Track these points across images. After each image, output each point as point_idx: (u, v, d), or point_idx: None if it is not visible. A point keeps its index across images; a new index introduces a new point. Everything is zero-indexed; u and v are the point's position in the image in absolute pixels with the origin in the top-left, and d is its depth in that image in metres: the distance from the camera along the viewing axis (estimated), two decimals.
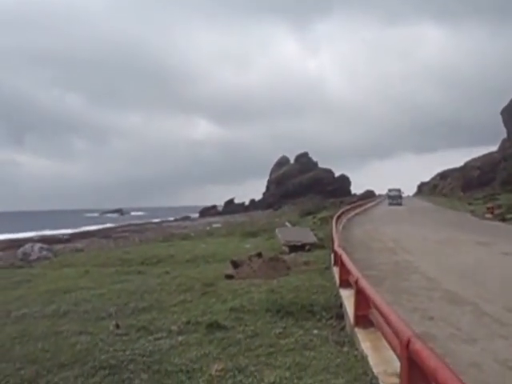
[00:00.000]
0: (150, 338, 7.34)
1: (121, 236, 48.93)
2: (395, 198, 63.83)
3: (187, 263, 16.81)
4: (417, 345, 3.66)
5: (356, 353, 6.20)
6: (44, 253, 27.80)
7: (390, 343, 5.10)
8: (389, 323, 4.76)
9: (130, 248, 26.83)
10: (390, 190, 67.60)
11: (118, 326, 7.92)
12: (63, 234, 57.30)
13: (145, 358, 6.35)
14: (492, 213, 31.37)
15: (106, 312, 9.11)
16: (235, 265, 13.63)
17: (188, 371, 5.89)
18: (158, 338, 7.28)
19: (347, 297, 8.44)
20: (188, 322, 8.04)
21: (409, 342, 3.78)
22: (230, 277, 12.53)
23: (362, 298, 6.71)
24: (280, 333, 7.37)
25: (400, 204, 60.43)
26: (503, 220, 28.15)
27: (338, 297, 9.10)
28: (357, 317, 6.80)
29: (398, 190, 66.90)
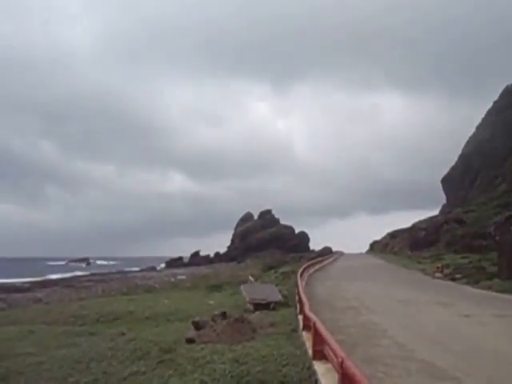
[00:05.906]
0: None
1: (84, 286, 46.19)
2: None
3: (147, 321, 15.11)
4: None
5: None
6: None
7: None
8: None
9: (88, 301, 24.61)
10: None
11: None
12: (23, 282, 53.48)
13: None
14: (442, 272, 31.18)
15: None
16: (197, 326, 11.99)
17: None
18: None
19: (323, 373, 7.16)
20: None
21: None
22: (191, 341, 10.89)
23: None
24: None
25: None
26: (453, 279, 28.05)
27: (312, 371, 7.67)
28: None
29: None
